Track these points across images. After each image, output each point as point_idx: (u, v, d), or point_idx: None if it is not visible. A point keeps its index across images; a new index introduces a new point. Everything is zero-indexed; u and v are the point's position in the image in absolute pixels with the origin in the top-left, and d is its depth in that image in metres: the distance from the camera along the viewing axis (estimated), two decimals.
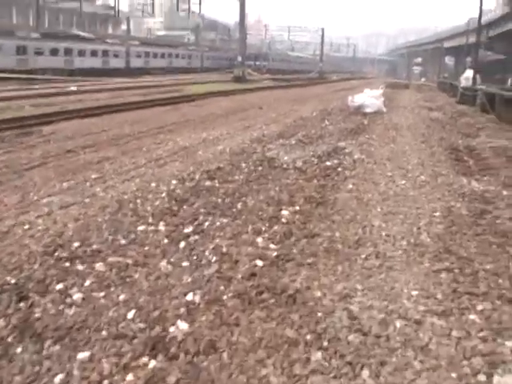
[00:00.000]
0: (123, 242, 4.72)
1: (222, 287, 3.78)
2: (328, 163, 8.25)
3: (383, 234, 5.05)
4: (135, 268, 4.16)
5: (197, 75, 52.24)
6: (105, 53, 49.38)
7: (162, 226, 5.17)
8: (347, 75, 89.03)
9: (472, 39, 48.10)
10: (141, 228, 5.08)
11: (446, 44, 78.17)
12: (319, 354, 2.96)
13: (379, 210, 5.88)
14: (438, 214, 5.79)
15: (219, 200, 6.12)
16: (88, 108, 16.58)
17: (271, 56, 77.53)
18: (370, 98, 17.17)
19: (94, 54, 47.64)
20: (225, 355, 2.94)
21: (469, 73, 28.13)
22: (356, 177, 7.45)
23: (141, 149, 9.63)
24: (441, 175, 7.81)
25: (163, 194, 6.20)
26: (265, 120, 14.27)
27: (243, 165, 8.02)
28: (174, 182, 6.81)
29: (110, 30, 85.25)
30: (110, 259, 4.30)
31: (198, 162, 8.06)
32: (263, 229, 5.13)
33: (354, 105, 17.01)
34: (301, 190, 6.64)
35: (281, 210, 5.77)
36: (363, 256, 4.45)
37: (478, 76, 27.00)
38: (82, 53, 45.89)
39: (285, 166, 8.05)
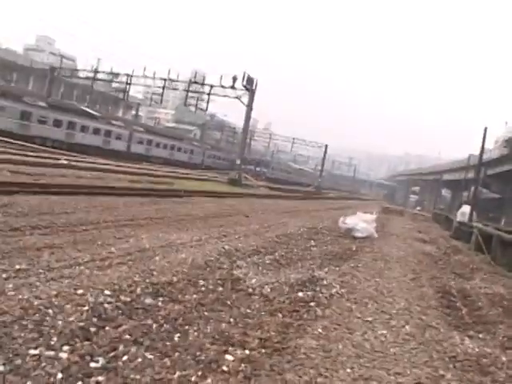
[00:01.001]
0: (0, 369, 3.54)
1: None
2: (300, 294, 6.94)
3: None
4: None
5: (195, 171, 52.14)
6: (107, 133, 49.59)
7: (64, 353, 3.96)
8: (345, 194, 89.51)
9: (470, 175, 48.93)
10: (34, 352, 3.87)
11: (445, 177, 79.77)
12: None
13: (348, 370, 4.59)
14: None
15: (155, 325, 4.89)
16: (62, 185, 15.72)
17: (272, 164, 78.54)
18: (362, 221, 16.27)
19: (96, 131, 47.83)
20: None
21: (465, 208, 28.16)
22: (329, 318, 6.12)
23: (95, 241, 8.39)
24: (429, 327, 6.58)
25: (85, 307, 4.90)
26: (246, 230, 13.08)
27: (201, 282, 6.72)
28: (107, 292, 5.48)
29: (120, 113, 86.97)
30: None
31: (149, 271, 6.73)
32: (193, 379, 3.89)
33: (344, 226, 16.08)
34: (259, 326, 5.40)
35: (226, 351, 4.53)
36: None
37: (474, 212, 26.65)
38: (84, 128, 46.06)
39: (250, 290, 6.79)
